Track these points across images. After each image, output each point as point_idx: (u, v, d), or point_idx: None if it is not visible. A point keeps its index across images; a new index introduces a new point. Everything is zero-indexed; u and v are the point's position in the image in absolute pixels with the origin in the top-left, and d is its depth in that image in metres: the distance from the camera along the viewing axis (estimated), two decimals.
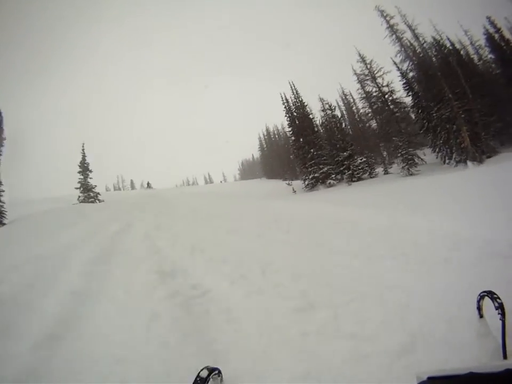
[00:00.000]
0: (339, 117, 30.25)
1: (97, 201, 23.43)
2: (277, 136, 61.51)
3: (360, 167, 26.27)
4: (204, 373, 1.47)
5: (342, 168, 27.04)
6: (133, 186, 78.95)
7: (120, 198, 25.55)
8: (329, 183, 26.19)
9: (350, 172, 26.23)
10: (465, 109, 23.63)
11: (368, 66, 28.83)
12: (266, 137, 63.76)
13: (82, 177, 24.33)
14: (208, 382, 1.45)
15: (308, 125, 28.91)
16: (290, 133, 30.25)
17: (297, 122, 29.39)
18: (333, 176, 26.95)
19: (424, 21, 26.41)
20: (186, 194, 25.81)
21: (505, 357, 1.18)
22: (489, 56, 27.85)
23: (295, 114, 29.79)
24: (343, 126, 30.65)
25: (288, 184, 31.24)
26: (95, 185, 24.49)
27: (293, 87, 30.08)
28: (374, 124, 34.71)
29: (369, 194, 14.74)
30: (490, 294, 1.38)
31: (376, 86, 28.61)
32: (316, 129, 29.61)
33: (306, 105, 29.74)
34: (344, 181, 26.65)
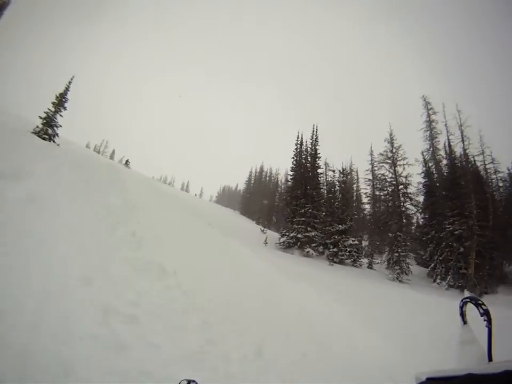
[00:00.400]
0: (347, 185, 26.84)
1: (51, 141, 18.07)
2: (267, 178, 58.06)
3: (348, 250, 22.27)
4: (183, 383, 1.52)
5: (329, 241, 22.98)
6: (112, 157, 72.35)
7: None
8: (308, 252, 21.75)
9: (336, 249, 22.25)
10: (481, 234, 20.96)
11: (394, 150, 26.38)
12: (257, 173, 60.09)
13: (53, 109, 19.08)
14: None
15: (313, 177, 25.04)
16: (292, 177, 26.22)
17: (303, 169, 25.58)
18: (315, 246, 22.60)
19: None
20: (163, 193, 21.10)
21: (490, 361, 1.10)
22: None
23: (303, 159, 26.01)
24: (350, 196, 27.21)
25: (263, 231, 27.04)
26: (60, 126, 19.19)
27: (315, 132, 26.48)
28: (368, 208, 32.04)
29: (355, 293, 12.45)
30: (474, 300, 1.26)
31: (393, 173, 25.94)
32: (319, 186, 25.81)
33: (319, 156, 25.98)
34: (323, 256, 22.53)
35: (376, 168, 29.04)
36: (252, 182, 61.16)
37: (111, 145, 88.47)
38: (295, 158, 26.33)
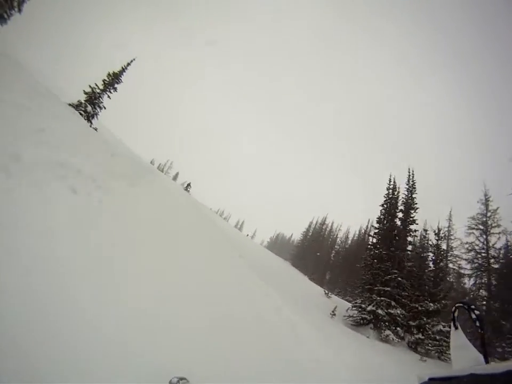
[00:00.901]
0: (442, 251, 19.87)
1: (87, 120, 14.60)
2: (326, 232, 51.25)
3: (437, 339, 15.30)
4: (174, 380, 1.65)
5: (413, 323, 16.17)
6: (175, 179, 71.16)
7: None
8: (387, 335, 14.77)
9: (421, 336, 15.55)
10: None
11: (489, 213, 20.62)
12: (318, 225, 53.44)
13: (101, 87, 16.07)
14: None
15: (403, 235, 18.39)
16: (377, 230, 19.55)
17: (391, 222, 19.16)
18: (398, 329, 15.60)
19: None
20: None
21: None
22: None
23: (393, 210, 19.51)
24: (445, 265, 20.22)
25: (326, 295, 20.51)
26: (104, 107, 15.99)
27: (411, 177, 20.19)
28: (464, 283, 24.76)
29: None
30: (467, 305, 1.12)
31: (484, 242, 20.26)
32: (407, 247, 19.07)
33: (416, 207, 19.32)
34: (403, 342, 15.73)
35: (452, 238, 23.19)
36: (310, 233, 54.57)
37: (176, 167, 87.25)
38: (384, 206, 19.90)
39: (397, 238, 17.98)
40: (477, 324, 1.10)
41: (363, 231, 43.25)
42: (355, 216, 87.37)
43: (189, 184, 35.43)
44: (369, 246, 19.13)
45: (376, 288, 16.41)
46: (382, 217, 19.46)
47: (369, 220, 42.32)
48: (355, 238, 46.61)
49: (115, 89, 16.50)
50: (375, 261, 17.85)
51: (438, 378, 0.86)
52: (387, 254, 17.30)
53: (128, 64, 16.70)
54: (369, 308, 15.52)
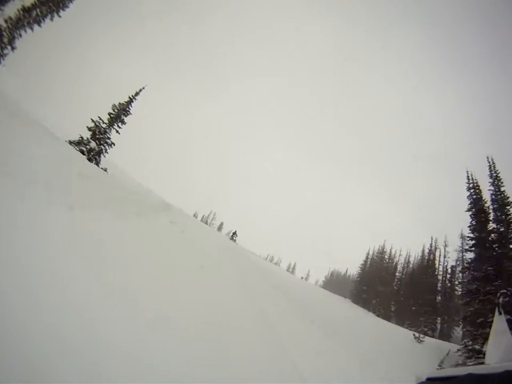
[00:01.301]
0: None
1: (94, 162, 12.58)
2: (385, 261, 44.84)
3: None
4: None
5: None
6: (219, 229, 68.99)
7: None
8: None
9: None
10: None
11: None
12: (376, 255, 47.37)
13: (106, 122, 14.20)
14: None
15: (508, 240, 13.26)
16: (473, 241, 14.40)
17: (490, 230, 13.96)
18: None
19: None
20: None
21: None
22: None
23: (486, 213, 14.33)
24: None
25: (417, 339, 15.33)
26: (113, 143, 14.00)
27: (492, 168, 15.37)
28: None
29: None
30: (510, 292, 1.10)
31: None
32: None
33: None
34: None
35: None
36: (368, 265, 48.34)
37: (219, 217, 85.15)
38: (473, 210, 14.82)
39: (504, 244, 12.92)
40: None
41: (427, 250, 37.05)
42: (411, 238, 79.23)
43: (234, 233, 32.40)
44: (466, 266, 14.21)
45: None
46: (474, 223, 14.33)
47: (432, 237, 36.23)
48: (416, 260, 40.25)
49: (123, 122, 14.62)
50: (478, 283, 12.78)
51: (436, 378, 0.88)
52: (496, 270, 12.26)
53: (137, 93, 14.89)
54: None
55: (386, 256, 44.87)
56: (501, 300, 1.68)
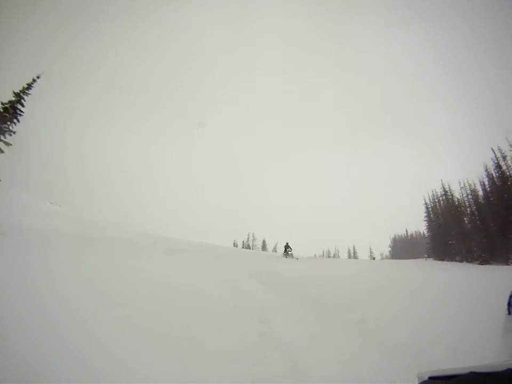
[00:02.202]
0: None
1: None
2: (455, 196, 37.84)
3: None
4: None
5: None
6: (264, 248, 64.29)
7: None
8: None
9: None
10: None
11: None
12: (441, 198, 40.51)
13: None
14: None
15: None
16: None
17: None
18: None
19: None
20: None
21: None
22: None
23: None
24: None
25: None
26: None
27: None
28: None
29: None
30: None
31: None
32: None
33: None
34: None
35: None
36: (437, 209, 41.58)
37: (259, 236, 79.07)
38: None
39: None
40: None
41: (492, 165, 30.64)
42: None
43: (287, 246, 23.91)
44: None
45: None
46: None
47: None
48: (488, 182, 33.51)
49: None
50: None
51: (439, 377, 0.82)
52: None
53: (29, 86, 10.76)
54: None
55: (450, 194, 38.14)
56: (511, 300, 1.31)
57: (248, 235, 66.92)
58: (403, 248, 68.79)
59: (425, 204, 42.59)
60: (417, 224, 76.88)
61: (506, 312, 1.38)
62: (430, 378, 0.83)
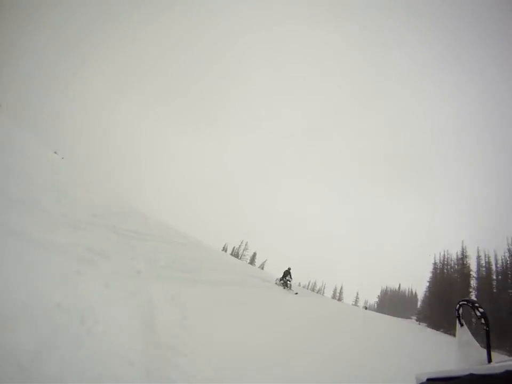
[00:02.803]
0: None
1: None
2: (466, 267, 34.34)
3: None
4: None
5: None
6: (252, 261, 60.67)
7: None
8: None
9: None
10: None
11: None
12: (453, 262, 37.21)
13: None
14: None
15: None
16: None
17: None
18: None
19: None
20: None
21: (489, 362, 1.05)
22: None
23: None
24: None
25: None
26: None
27: None
28: None
29: None
30: (471, 303, 1.24)
31: None
32: None
33: None
34: None
35: None
36: (437, 273, 38.16)
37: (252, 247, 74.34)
38: None
39: None
40: (482, 321, 1.10)
41: None
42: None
43: (286, 274, 17.73)
44: None
45: None
46: None
47: None
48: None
49: None
50: None
51: (437, 379, 0.82)
52: None
53: None
54: None
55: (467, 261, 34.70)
56: (460, 311, 1.27)
57: (241, 243, 63.45)
58: (392, 303, 65.23)
59: (434, 263, 39.21)
60: (412, 281, 73.36)
61: (459, 325, 1.29)
62: (428, 380, 0.83)
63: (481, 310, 1.15)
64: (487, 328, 1.11)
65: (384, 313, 38.97)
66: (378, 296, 70.01)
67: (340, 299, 66.25)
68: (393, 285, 71.98)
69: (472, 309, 1.19)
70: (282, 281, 16.79)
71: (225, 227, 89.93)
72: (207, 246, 16.96)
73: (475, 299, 1.38)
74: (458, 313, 1.34)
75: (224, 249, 57.92)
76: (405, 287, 68.23)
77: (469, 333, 1.25)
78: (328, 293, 69.40)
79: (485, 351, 1.04)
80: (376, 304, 67.83)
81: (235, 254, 58.12)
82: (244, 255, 61.27)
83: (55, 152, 24.33)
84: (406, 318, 42.64)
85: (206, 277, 7.52)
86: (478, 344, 1.16)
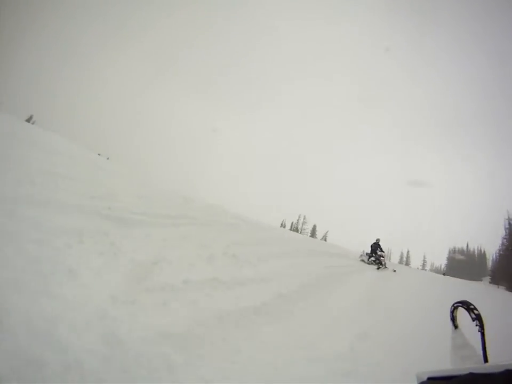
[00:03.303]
0: None
1: None
2: None
3: None
4: None
5: None
6: (313, 234, 60.32)
7: None
8: None
9: None
10: None
11: None
12: None
13: None
14: None
15: None
16: None
17: None
18: None
19: None
20: None
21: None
22: None
23: None
24: None
25: None
26: None
27: None
28: None
29: None
30: (466, 305, 1.20)
31: None
32: None
33: None
34: None
35: None
36: None
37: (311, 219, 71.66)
38: None
39: None
40: (477, 323, 1.09)
41: None
42: None
43: (378, 247, 14.40)
44: None
45: None
46: None
47: None
48: None
49: None
50: None
51: (437, 378, 0.82)
52: None
53: None
54: None
55: None
56: (455, 313, 1.25)
57: (299, 217, 63.37)
58: (460, 264, 60.56)
59: (508, 218, 35.58)
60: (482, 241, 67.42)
61: (453, 327, 1.28)
62: (429, 379, 0.84)
63: (476, 312, 1.14)
64: (483, 330, 1.09)
65: (454, 276, 36.86)
66: (447, 258, 65.46)
67: (407, 264, 63.54)
68: (460, 244, 66.28)
69: (467, 310, 1.18)
70: (373, 258, 13.50)
71: (282, 203, 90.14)
72: (265, 225, 14.06)
73: (469, 301, 1.24)
74: (453, 316, 1.35)
75: (283, 225, 58.54)
76: (472, 246, 62.77)
77: (464, 335, 1.25)
78: (394, 259, 66.87)
79: (480, 354, 1.04)
80: (445, 267, 63.65)
81: (294, 229, 58.40)
82: (304, 229, 61.28)
83: (99, 154, 24.34)
84: (478, 281, 39.85)
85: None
86: (474, 348, 1.16)
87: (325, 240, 52.85)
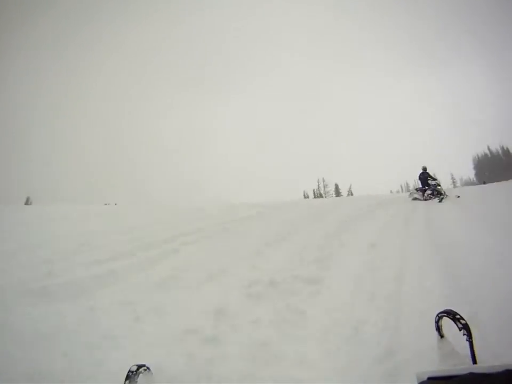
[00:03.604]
0: None
1: None
2: None
3: None
4: (133, 368, 1.35)
5: None
6: (337, 193, 58.14)
7: None
8: None
9: None
10: None
11: None
12: None
13: None
14: (138, 375, 1.34)
15: None
16: None
17: None
18: None
19: None
20: None
21: None
22: None
23: None
24: None
25: None
26: None
27: None
28: None
29: None
30: (451, 315, 1.19)
31: None
32: None
33: None
34: None
35: None
36: None
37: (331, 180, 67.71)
38: None
39: None
40: (464, 332, 1.07)
41: None
42: None
43: (430, 176, 12.33)
44: None
45: None
46: None
47: None
48: None
49: None
50: None
51: (437, 378, 0.80)
52: None
53: None
54: None
55: None
56: (440, 323, 1.26)
57: (318, 181, 61.06)
58: (490, 169, 58.58)
59: None
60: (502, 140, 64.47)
61: (438, 337, 1.28)
62: (429, 378, 0.80)
63: (463, 321, 1.11)
64: (471, 340, 1.07)
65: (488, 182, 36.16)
66: (474, 167, 63.54)
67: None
68: (482, 149, 63.93)
69: (453, 320, 1.15)
70: (429, 191, 11.53)
71: (297, 177, 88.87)
72: (289, 204, 12.82)
73: (454, 311, 1.22)
74: (438, 325, 1.32)
75: (305, 196, 57.53)
76: (495, 148, 60.47)
77: (451, 345, 1.24)
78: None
79: (470, 362, 1.03)
80: (474, 177, 62.02)
81: (317, 195, 57.21)
82: (328, 193, 59.78)
83: (105, 204, 23.07)
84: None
85: None
86: (462, 357, 1.13)
87: (351, 194, 51.96)
